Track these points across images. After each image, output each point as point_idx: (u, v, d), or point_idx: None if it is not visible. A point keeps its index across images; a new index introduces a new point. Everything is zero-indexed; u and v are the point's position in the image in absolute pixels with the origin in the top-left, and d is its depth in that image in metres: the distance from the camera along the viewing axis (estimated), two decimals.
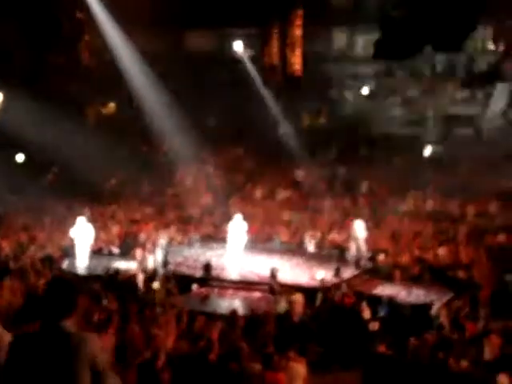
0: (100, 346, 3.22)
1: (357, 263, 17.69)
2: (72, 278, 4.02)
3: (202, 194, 23.52)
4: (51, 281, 3.48)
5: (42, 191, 22.92)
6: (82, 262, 17.32)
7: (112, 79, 24.05)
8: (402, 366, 9.48)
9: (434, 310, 13.70)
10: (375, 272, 17.34)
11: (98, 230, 19.21)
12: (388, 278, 16.77)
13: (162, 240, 19.25)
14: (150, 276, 15.90)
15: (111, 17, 22.20)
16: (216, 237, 20.57)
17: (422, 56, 25.64)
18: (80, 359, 3.06)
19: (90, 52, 24.00)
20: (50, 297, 3.23)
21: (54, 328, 3.16)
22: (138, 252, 18.10)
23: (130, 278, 15.58)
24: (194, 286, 15.95)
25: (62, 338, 3.12)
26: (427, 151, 23.52)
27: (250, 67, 26.16)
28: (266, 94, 26.63)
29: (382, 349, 10.87)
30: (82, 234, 17.46)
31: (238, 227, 18.13)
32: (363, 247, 17.83)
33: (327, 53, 29.01)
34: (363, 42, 28.90)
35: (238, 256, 17.96)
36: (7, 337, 3.62)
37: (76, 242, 17.57)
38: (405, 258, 17.59)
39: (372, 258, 18.00)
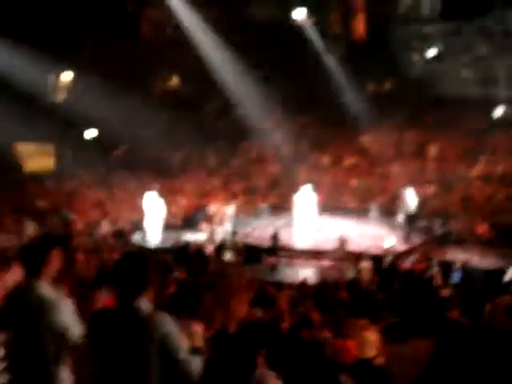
0: (175, 330, 3.20)
1: (428, 229, 17.51)
2: (144, 252, 4.05)
3: (268, 164, 23.55)
4: (124, 257, 3.47)
5: (111, 166, 23.53)
6: (152, 236, 17.72)
7: (175, 53, 24.19)
8: (476, 332, 9.34)
9: (508, 275, 13.40)
10: (447, 238, 17.09)
11: (167, 203, 19.61)
12: (460, 243, 16.53)
13: (230, 211, 19.52)
14: (220, 247, 16.17)
15: None
16: (284, 206, 20.60)
17: (492, 14, 24.68)
18: (152, 342, 3.08)
19: (151, 26, 24.16)
20: (123, 274, 3.23)
21: (129, 307, 3.17)
22: (205, 224, 18.48)
23: (200, 250, 15.85)
24: (263, 256, 16.10)
25: (136, 318, 3.13)
26: (498, 112, 22.78)
27: (313, 34, 25.82)
28: (329, 61, 26.31)
29: (455, 315, 10.74)
30: (153, 207, 17.83)
31: (306, 197, 18.10)
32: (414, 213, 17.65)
33: (393, 14, 28.29)
34: (430, 2, 28.09)
35: (307, 225, 17.96)
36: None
37: (147, 215, 17.99)
38: (477, 223, 17.24)
39: (443, 224, 17.72)
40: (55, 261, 3.72)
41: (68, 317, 3.57)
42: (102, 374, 3.22)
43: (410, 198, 17.54)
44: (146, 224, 17.96)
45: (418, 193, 19.05)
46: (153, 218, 17.86)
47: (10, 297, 3.70)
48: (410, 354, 9.83)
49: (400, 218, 17.84)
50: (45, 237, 3.75)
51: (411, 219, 17.56)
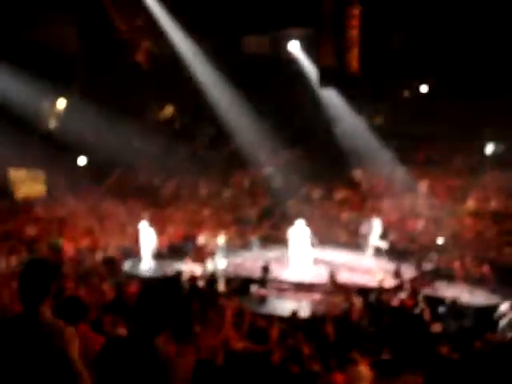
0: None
1: (418, 264, 17.56)
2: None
3: (260, 196, 23.59)
4: (150, 291, 3.37)
5: (102, 194, 23.52)
6: (143, 264, 17.69)
7: (170, 82, 24.40)
8: (466, 369, 9.32)
9: (499, 312, 13.42)
10: (437, 273, 17.14)
11: (156, 232, 19.60)
12: (450, 279, 16.58)
13: (220, 242, 19.50)
14: (211, 278, 16.14)
15: (173, 22, 22.55)
16: (275, 239, 20.59)
17: None
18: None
19: (147, 57, 24.39)
20: (150, 309, 3.12)
21: (148, 344, 3.08)
22: (194, 256, 18.47)
23: (192, 280, 15.80)
24: (253, 288, 16.04)
25: (151, 352, 3.04)
26: (489, 150, 22.99)
27: (307, 67, 26.09)
28: (322, 94, 26.57)
29: (444, 351, 10.73)
30: (143, 236, 17.84)
31: (300, 231, 18.13)
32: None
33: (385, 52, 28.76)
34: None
35: (297, 258, 17.96)
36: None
37: (137, 244, 18.00)
38: (468, 259, 17.31)
39: (432, 259, 17.79)
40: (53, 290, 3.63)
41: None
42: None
43: (376, 229, 17.87)
44: (136, 252, 18.00)
45: (409, 227, 19.26)
46: (143, 246, 17.85)
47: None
48: None
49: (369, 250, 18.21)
50: (45, 265, 3.56)
51: (378, 250, 17.96)
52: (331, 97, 25.63)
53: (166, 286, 3.55)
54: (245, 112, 24.89)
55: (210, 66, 23.89)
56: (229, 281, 16.13)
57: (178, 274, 16.01)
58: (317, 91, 26.02)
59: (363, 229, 19.53)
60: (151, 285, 3.72)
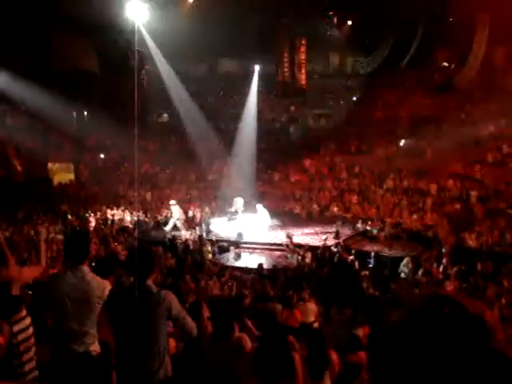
0: (175, 300, 3.28)
1: (352, 228, 17.81)
2: (150, 246, 4.01)
3: (234, 179, 23.62)
4: (137, 248, 3.51)
5: (117, 181, 23.47)
6: (149, 232, 17.69)
7: (164, 97, 24.41)
8: (385, 303, 9.63)
9: (403, 262, 13.76)
10: (365, 234, 17.45)
11: (157, 208, 19.63)
12: (374, 238, 16.90)
13: (206, 215, 19.60)
14: (199, 242, 16.22)
15: (161, 51, 22.61)
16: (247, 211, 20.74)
17: None
18: (159, 314, 3.18)
19: (148, 79, 24.28)
20: (138, 261, 3.21)
21: (142, 286, 3.21)
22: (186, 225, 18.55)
23: (184, 243, 15.90)
24: (231, 248, 16.19)
25: (148, 295, 3.20)
26: (402, 143, 23.32)
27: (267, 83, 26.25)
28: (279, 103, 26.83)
29: (370, 291, 11.04)
30: (148, 211, 17.80)
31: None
32: None
33: (326, 71, 29.14)
34: (352, 62, 29.12)
35: (263, 226, 18.11)
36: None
37: (145, 217, 18.04)
38: (387, 224, 17.63)
39: (364, 224, 18.05)
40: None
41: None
42: (121, 337, 3.29)
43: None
44: (144, 223, 18.05)
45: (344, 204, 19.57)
46: (148, 218, 17.87)
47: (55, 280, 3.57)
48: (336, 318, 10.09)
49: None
50: (82, 232, 3.65)
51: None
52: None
53: (145, 246, 3.68)
54: (218, 120, 25.46)
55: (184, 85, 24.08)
56: (213, 243, 16.21)
57: (173, 238, 16.09)
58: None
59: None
60: (138, 247, 3.87)
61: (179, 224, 17.84)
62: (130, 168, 23.56)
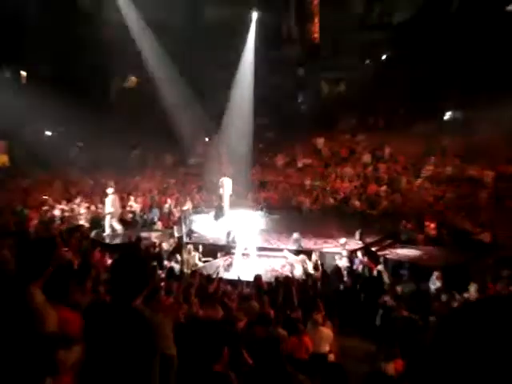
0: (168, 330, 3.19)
1: (381, 228, 17.70)
2: (143, 255, 3.83)
3: (224, 164, 23.50)
4: (123, 258, 3.32)
5: (68, 165, 23.19)
6: (109, 232, 17.54)
7: (131, 54, 24.17)
8: (424, 329, 9.47)
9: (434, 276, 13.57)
10: (397, 237, 17.29)
11: (123, 200, 19.42)
12: (410, 242, 16.75)
13: (186, 210, 19.48)
14: (176, 245, 16.06)
15: None
16: (239, 205, 20.58)
17: None
18: (151, 347, 3.01)
19: (107, 30, 24.03)
20: (124, 276, 3.08)
21: (129, 308, 3.04)
22: (160, 223, 18.44)
23: (155, 247, 15.69)
24: (219, 254, 16.03)
25: (137, 322, 3.02)
26: (447, 116, 23.15)
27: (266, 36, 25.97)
28: (283, 64, 26.60)
29: (404, 313, 10.87)
30: (109, 205, 17.63)
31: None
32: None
33: (345, 21, 28.68)
34: (379, 10, 28.72)
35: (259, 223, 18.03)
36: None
37: (104, 212, 17.84)
38: (426, 223, 17.49)
39: (394, 223, 17.92)
40: None
41: None
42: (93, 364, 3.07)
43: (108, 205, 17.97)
44: (103, 220, 17.85)
45: (370, 193, 19.39)
46: (109, 215, 17.67)
47: None
48: (360, 349, 9.93)
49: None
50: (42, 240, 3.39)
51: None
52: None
53: (138, 255, 3.51)
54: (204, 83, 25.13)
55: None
56: (195, 247, 16.05)
57: (139, 239, 15.87)
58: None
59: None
60: (125, 253, 3.63)
61: (114, 222, 17.69)
62: (86, 148, 23.38)
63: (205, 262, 15.56)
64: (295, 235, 16.07)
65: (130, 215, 19.35)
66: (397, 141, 22.64)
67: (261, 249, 16.38)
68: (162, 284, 11.26)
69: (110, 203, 17.65)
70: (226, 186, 19.20)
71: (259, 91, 25.24)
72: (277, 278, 12.90)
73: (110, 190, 17.77)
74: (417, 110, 23.09)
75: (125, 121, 25.80)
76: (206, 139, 25.73)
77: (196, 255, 15.47)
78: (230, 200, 19.48)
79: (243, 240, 16.68)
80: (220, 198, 19.28)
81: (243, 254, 16.05)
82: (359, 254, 14.76)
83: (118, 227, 17.67)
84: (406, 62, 25.28)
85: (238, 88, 25.28)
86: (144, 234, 17.11)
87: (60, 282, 4.08)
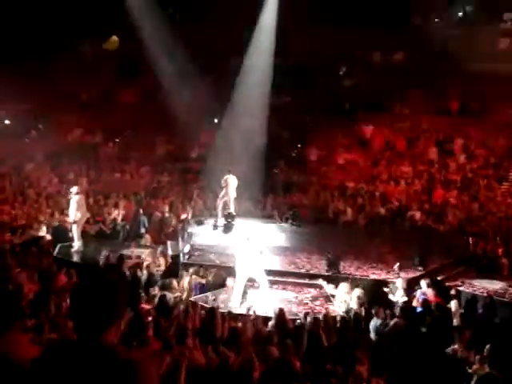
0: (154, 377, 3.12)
1: (446, 250, 17.55)
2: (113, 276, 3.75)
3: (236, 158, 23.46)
4: (85, 281, 3.28)
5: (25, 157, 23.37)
6: (77, 247, 17.47)
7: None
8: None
9: None
10: (472, 262, 17.14)
11: (97, 204, 19.43)
12: (490, 270, 16.58)
13: (185, 219, 19.43)
14: (170, 266, 15.98)
15: None
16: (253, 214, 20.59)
17: None
18: None
19: None
20: (86, 305, 3.05)
21: (97, 346, 3.04)
22: (148, 236, 18.39)
23: (140, 268, 15.61)
24: (229, 280, 15.91)
25: (107, 364, 3.00)
26: None
27: None
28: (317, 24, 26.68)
29: (483, 366, 10.69)
30: (74, 209, 17.50)
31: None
32: None
33: None
34: None
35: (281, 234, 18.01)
36: None
37: (70, 219, 17.74)
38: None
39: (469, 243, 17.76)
40: None
41: None
42: None
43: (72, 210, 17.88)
44: (70, 231, 17.80)
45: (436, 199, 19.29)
46: (78, 223, 17.59)
47: None
48: None
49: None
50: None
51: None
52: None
53: (105, 276, 3.43)
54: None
55: None
56: (197, 271, 15.96)
57: (121, 259, 15.79)
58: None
59: None
60: (88, 275, 3.56)
61: (74, 230, 17.65)
62: (48, 134, 23.50)
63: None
64: (330, 256, 15.95)
65: (108, 225, 19.31)
66: (475, 130, 22.49)
67: (283, 274, 16.28)
68: (150, 319, 11.25)
69: (75, 207, 17.55)
70: (231, 186, 19.13)
71: (282, 60, 25.20)
72: (306, 316, 12.83)
73: (74, 189, 17.66)
74: (505, 91, 22.78)
75: (102, 96, 25.88)
76: (211, 124, 25.64)
77: (196, 278, 15.41)
78: (236, 204, 19.48)
79: (256, 263, 16.59)
80: (225, 202, 19.20)
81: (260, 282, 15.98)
82: (423, 284, 14.60)
83: (77, 243, 17.52)
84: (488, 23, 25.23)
85: (253, 55, 25.19)
86: (126, 251, 17.07)
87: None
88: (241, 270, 14.49)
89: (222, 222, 19.69)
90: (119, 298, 3.16)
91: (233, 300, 14.23)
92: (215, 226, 19.60)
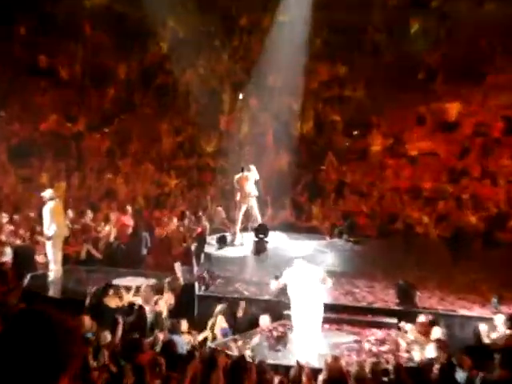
0: None
1: None
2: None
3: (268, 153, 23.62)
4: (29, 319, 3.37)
5: None
6: (53, 274, 17.66)
7: None
8: None
9: None
10: None
11: (80, 214, 19.70)
12: None
13: (200, 235, 19.60)
14: (181, 302, 16.11)
15: None
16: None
17: None
18: None
19: None
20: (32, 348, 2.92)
21: None
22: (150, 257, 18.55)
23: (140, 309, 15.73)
24: (263, 319, 16.02)
25: None
26: None
27: None
28: None
29: None
30: (48, 221, 17.66)
31: None
32: None
33: None
34: None
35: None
36: None
37: (44, 235, 17.97)
38: None
39: None
40: None
41: None
42: None
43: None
44: (46, 253, 18.02)
45: None
46: (56, 240, 17.76)
47: None
48: None
49: None
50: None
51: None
52: None
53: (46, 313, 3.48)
54: None
55: None
56: (223, 311, 16.04)
57: (105, 291, 15.91)
58: None
59: None
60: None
61: (49, 250, 17.72)
62: (11, 121, 23.88)
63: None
64: (401, 284, 16.03)
65: (100, 248, 19.48)
66: None
67: (337, 309, 16.37)
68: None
69: (49, 217, 17.69)
70: (248, 187, 19.23)
71: (327, 14, 25.39)
72: (374, 367, 12.93)
73: (47, 194, 17.82)
74: None
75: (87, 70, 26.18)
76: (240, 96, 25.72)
77: (222, 320, 15.48)
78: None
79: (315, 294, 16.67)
80: (247, 212, 19.37)
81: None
82: None
83: (53, 268, 17.63)
84: None
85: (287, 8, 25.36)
86: (122, 280, 17.25)
87: None
88: (297, 306, 14.53)
89: (247, 238, 19.83)
90: (69, 346, 3.07)
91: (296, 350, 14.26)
92: (241, 244, 19.67)
